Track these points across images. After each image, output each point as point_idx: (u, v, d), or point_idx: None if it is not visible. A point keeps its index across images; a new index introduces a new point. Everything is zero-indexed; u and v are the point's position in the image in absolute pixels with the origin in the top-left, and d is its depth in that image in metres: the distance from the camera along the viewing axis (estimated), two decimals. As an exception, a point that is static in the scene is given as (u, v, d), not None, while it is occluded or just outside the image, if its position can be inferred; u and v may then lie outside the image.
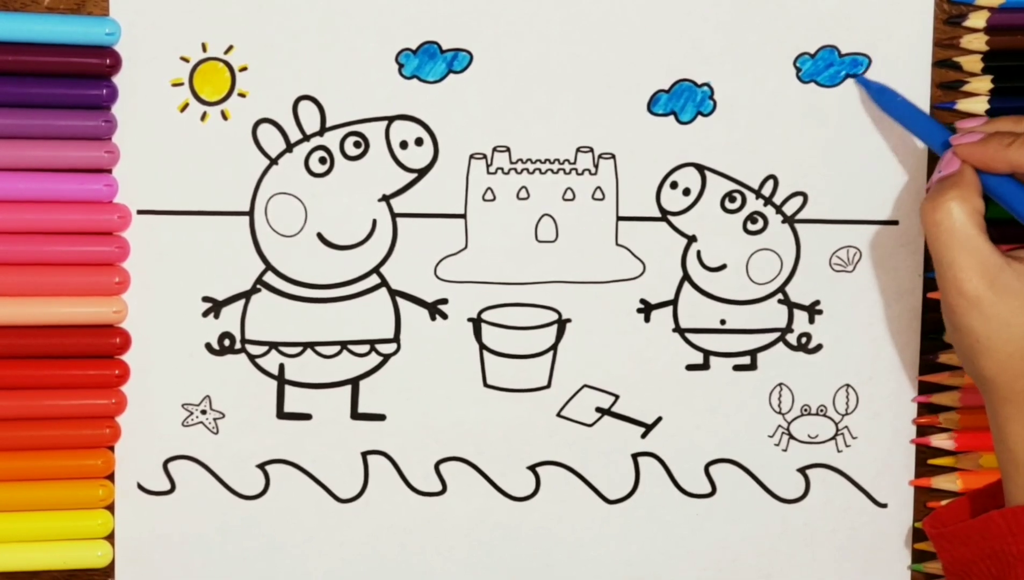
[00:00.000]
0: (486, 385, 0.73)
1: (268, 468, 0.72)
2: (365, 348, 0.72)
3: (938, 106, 0.73)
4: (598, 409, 0.74)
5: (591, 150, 0.72)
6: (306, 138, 0.71)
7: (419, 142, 0.71)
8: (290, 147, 0.71)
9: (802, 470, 0.75)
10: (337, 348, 0.72)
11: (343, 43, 0.70)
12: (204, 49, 0.70)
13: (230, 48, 0.70)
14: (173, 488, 0.72)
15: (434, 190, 0.72)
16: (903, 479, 0.75)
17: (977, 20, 0.72)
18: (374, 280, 0.72)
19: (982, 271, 0.61)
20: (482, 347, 0.73)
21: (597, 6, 0.71)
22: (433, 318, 0.72)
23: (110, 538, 0.71)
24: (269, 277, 0.71)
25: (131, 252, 0.70)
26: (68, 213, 0.69)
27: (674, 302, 0.73)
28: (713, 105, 0.72)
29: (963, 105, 0.73)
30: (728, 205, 0.73)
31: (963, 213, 0.61)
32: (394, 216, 0.72)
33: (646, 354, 0.73)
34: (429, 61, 0.71)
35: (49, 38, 0.67)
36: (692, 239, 0.73)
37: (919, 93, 0.73)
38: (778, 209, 0.73)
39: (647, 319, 0.73)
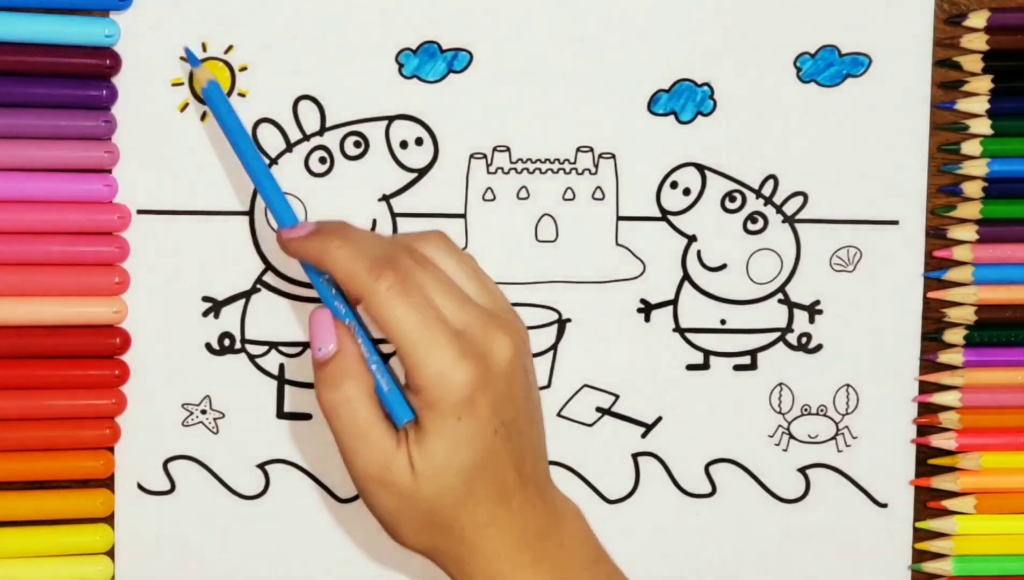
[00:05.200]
0: (486, 385, 0.73)
1: (268, 468, 0.72)
2: (365, 348, 0.72)
3: (939, 106, 0.73)
4: (598, 409, 0.74)
5: (591, 150, 0.72)
6: (306, 138, 0.71)
7: (419, 142, 0.71)
8: (290, 147, 0.71)
9: (802, 470, 0.75)
10: (337, 348, 0.72)
11: (343, 43, 0.70)
12: (204, 49, 0.70)
13: (230, 48, 0.70)
14: (173, 488, 0.72)
15: (434, 190, 0.72)
16: (903, 479, 0.75)
17: (978, 20, 0.72)
18: (374, 280, 0.72)
19: (382, 461, 0.58)
20: (482, 347, 0.72)
21: (597, 6, 0.71)
22: (433, 318, 0.72)
23: (110, 553, 0.71)
24: (269, 277, 0.71)
25: (131, 252, 0.70)
26: (68, 213, 0.69)
27: (674, 302, 0.73)
28: (713, 105, 0.72)
29: (963, 105, 0.73)
30: (728, 205, 0.73)
31: (361, 401, 0.58)
32: (394, 216, 0.71)
33: (646, 354, 0.73)
34: (429, 61, 0.71)
35: (49, 39, 0.67)
36: (692, 239, 0.73)
37: (919, 93, 0.73)
38: (778, 209, 0.73)
39: (647, 319, 0.73)
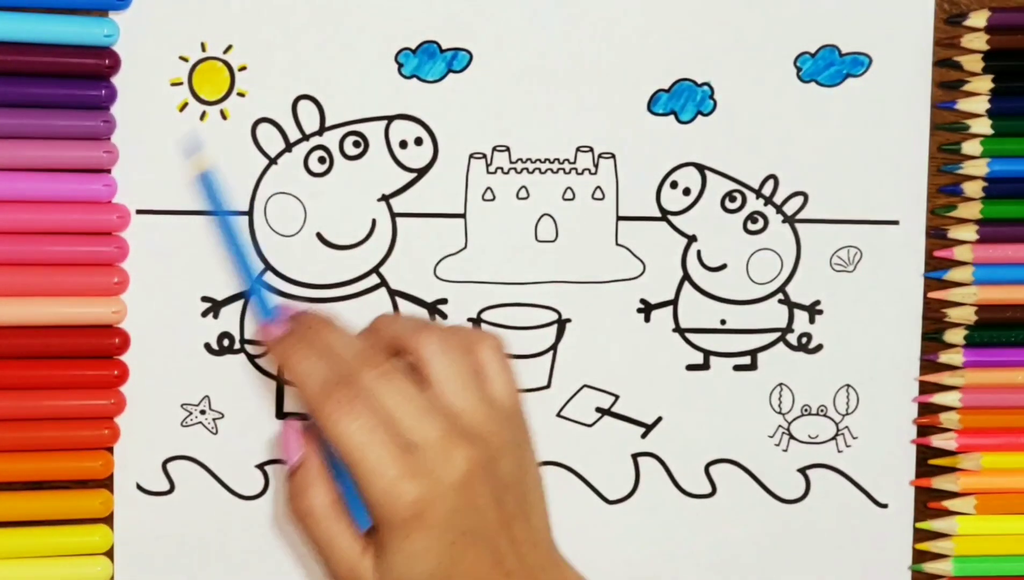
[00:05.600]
0: (486, 385, 0.73)
1: (268, 468, 0.72)
2: (365, 348, 0.72)
3: (939, 106, 0.73)
4: (598, 409, 0.74)
5: (591, 150, 0.72)
6: (305, 138, 0.71)
7: (419, 142, 0.71)
8: (289, 147, 0.71)
9: (802, 470, 0.75)
10: (337, 348, 0.72)
11: (342, 42, 0.70)
12: (203, 49, 0.70)
13: (229, 48, 0.70)
14: (172, 488, 0.72)
15: (434, 190, 0.72)
16: (904, 479, 0.75)
17: (978, 19, 0.72)
18: (373, 280, 0.72)
19: (348, 567, 0.60)
20: (482, 347, 0.72)
21: (597, 6, 0.71)
22: (433, 318, 0.72)
23: (109, 553, 0.71)
24: (268, 277, 0.71)
25: (130, 252, 0.70)
26: (67, 213, 0.69)
27: (674, 302, 0.73)
28: (713, 105, 0.72)
29: (963, 105, 0.73)
30: (728, 205, 0.73)
31: (325, 507, 0.60)
32: (394, 216, 0.71)
33: (646, 354, 0.73)
34: (429, 61, 0.71)
35: (48, 38, 0.67)
36: (692, 239, 0.73)
37: (919, 93, 0.73)
38: (778, 209, 0.73)
39: (647, 319, 0.73)
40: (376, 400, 0.58)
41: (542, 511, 0.63)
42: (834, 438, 0.75)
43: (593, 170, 0.72)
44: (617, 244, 0.73)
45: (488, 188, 0.72)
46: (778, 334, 0.74)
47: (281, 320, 0.61)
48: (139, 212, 0.70)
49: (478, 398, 0.60)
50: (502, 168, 0.72)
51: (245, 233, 0.70)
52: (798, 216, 0.73)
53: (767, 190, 0.73)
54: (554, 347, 0.73)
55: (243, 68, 0.70)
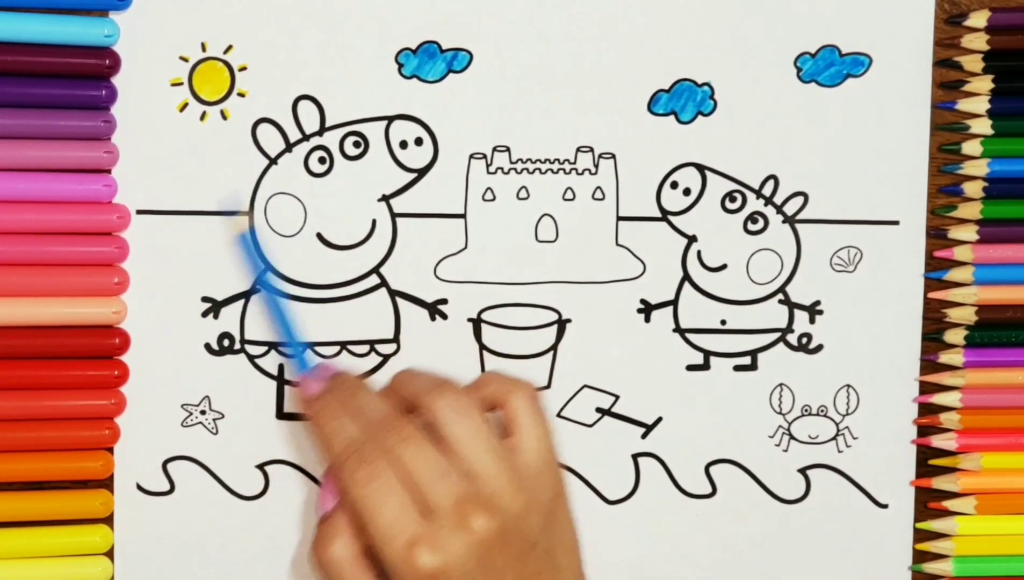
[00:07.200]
0: (486, 385, 0.73)
1: (268, 468, 0.72)
2: (365, 348, 0.72)
3: (939, 106, 0.73)
4: (598, 409, 0.74)
5: (591, 150, 0.72)
6: (305, 138, 0.71)
7: (419, 142, 0.71)
8: (289, 147, 0.71)
9: (803, 470, 0.75)
10: (336, 348, 0.72)
11: (342, 43, 0.70)
12: (203, 49, 0.70)
13: (229, 48, 0.70)
14: (172, 489, 0.72)
15: (434, 190, 0.72)
16: (904, 479, 0.75)
17: (978, 19, 0.72)
18: (374, 280, 0.72)
19: None
20: (482, 347, 0.72)
21: (597, 6, 0.71)
22: (433, 318, 0.72)
23: (109, 553, 0.71)
24: (268, 277, 0.71)
25: (130, 252, 0.70)
26: (67, 213, 0.69)
27: (674, 302, 0.73)
28: (713, 105, 0.72)
29: (964, 105, 0.73)
30: (728, 205, 0.73)
31: (348, 559, 0.61)
32: (394, 216, 0.71)
33: (646, 354, 0.73)
34: (429, 61, 0.71)
35: (48, 38, 0.67)
36: (692, 239, 0.73)
37: (920, 93, 0.73)
38: (778, 209, 0.73)
39: (647, 319, 0.73)
40: (397, 462, 0.59)
41: (572, 563, 0.63)
42: (834, 438, 0.75)
43: (593, 170, 0.72)
44: (617, 244, 0.73)
45: (488, 188, 0.72)
46: (778, 334, 0.74)
47: (319, 378, 0.63)
48: (139, 212, 0.70)
49: (498, 460, 0.60)
50: (502, 168, 0.72)
51: (285, 290, 0.71)
52: (798, 216, 0.73)
53: (767, 190, 0.73)
54: (554, 347, 0.73)
55: (243, 68, 0.70)
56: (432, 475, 0.59)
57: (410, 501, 0.59)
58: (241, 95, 0.70)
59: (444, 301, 0.72)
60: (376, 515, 0.59)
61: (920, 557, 0.75)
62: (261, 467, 0.72)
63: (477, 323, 0.72)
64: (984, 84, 0.72)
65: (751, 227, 0.73)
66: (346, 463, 0.60)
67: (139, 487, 0.71)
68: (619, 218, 0.72)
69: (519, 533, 0.60)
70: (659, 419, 0.74)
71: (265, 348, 0.71)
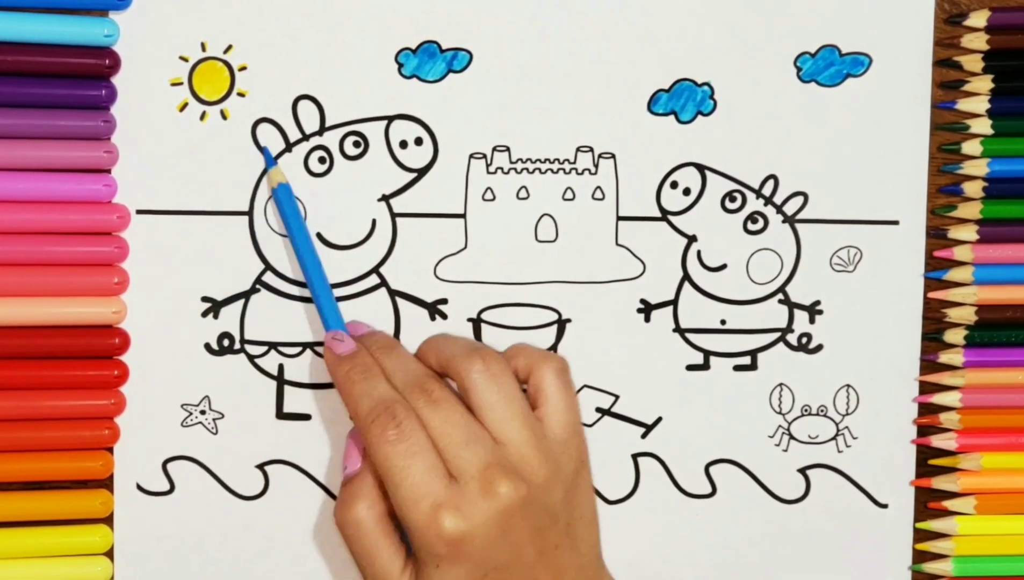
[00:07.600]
0: (486, 385, 0.73)
1: (268, 468, 0.72)
2: (365, 348, 0.72)
3: (939, 106, 0.73)
4: (598, 409, 0.74)
5: (591, 150, 0.72)
6: (305, 138, 0.71)
7: (419, 142, 0.71)
8: (289, 147, 0.71)
9: (802, 470, 0.75)
10: (337, 348, 0.72)
11: (342, 42, 0.70)
12: (203, 49, 0.70)
13: (229, 48, 0.70)
14: (172, 489, 0.72)
15: (434, 190, 0.72)
16: (904, 479, 0.75)
17: (978, 19, 0.72)
18: (373, 280, 0.72)
19: (389, 575, 0.61)
20: (482, 347, 0.72)
21: (597, 6, 0.71)
22: (433, 318, 0.72)
23: (109, 553, 0.71)
24: (268, 277, 0.71)
25: (130, 252, 0.70)
26: (67, 213, 0.69)
27: (674, 302, 0.73)
28: (713, 105, 0.72)
29: (963, 105, 0.73)
30: (728, 205, 0.73)
31: (371, 521, 0.61)
32: (394, 216, 0.71)
33: (646, 354, 0.73)
34: (429, 61, 0.71)
35: (48, 38, 0.67)
36: (692, 239, 0.73)
37: (919, 93, 0.73)
38: (778, 209, 0.73)
39: (647, 319, 0.73)
40: (426, 425, 0.59)
41: (591, 536, 0.63)
42: (834, 438, 0.75)
43: (593, 170, 0.72)
44: (617, 244, 0.73)
45: (488, 188, 0.72)
46: (778, 334, 0.74)
47: (347, 338, 0.62)
48: (139, 212, 0.70)
49: (526, 428, 0.60)
50: (502, 168, 0.72)
51: (316, 243, 0.71)
52: (798, 216, 0.73)
53: (767, 190, 0.73)
54: (554, 347, 0.73)
55: (243, 68, 0.70)
56: (460, 439, 0.59)
57: (437, 464, 0.58)
58: (241, 95, 0.70)
59: (444, 301, 0.72)
60: (401, 477, 0.58)
61: (920, 557, 0.75)
62: (261, 467, 0.72)
63: (477, 323, 0.72)
64: (984, 84, 0.72)
65: (751, 227, 0.73)
66: (373, 424, 0.59)
67: (139, 487, 0.71)
68: (619, 218, 0.72)
69: (542, 504, 0.59)
70: (659, 419, 0.74)
71: (265, 348, 0.71)
